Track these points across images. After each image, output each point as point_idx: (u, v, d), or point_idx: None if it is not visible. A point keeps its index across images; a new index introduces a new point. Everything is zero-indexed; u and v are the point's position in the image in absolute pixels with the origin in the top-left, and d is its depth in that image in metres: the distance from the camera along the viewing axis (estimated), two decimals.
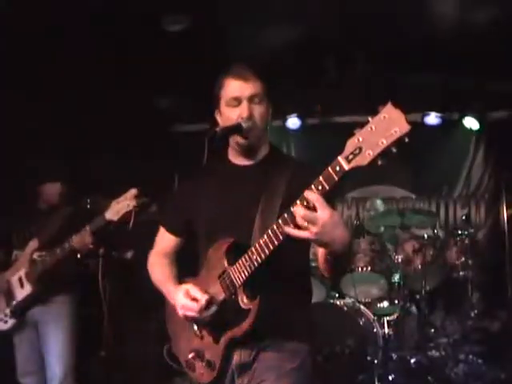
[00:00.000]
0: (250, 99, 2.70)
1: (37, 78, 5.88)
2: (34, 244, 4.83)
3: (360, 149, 2.11)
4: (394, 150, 2.08)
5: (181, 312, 2.72)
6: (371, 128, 2.10)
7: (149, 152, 7.23)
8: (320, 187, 2.23)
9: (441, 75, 6.93)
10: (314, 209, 2.23)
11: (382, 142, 2.07)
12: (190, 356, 2.79)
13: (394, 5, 5.63)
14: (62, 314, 4.92)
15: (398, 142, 2.06)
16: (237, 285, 2.60)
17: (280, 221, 2.39)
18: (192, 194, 2.91)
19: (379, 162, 2.11)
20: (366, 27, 6.03)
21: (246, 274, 2.55)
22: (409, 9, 5.71)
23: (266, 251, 2.47)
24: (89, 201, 5.44)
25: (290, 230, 2.30)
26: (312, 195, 2.22)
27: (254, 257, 2.51)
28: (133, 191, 4.34)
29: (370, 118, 2.11)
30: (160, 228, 3.08)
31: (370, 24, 5.96)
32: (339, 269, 2.65)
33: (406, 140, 2.06)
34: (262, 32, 6.16)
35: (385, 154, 2.08)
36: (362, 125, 2.12)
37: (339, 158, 2.15)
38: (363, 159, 2.11)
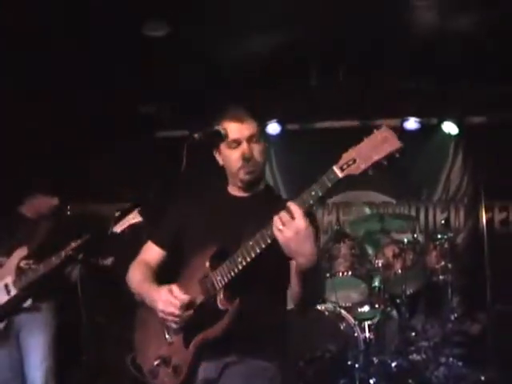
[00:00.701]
0: (249, 139, 2.86)
1: (26, 82, 5.88)
2: (22, 251, 4.80)
3: (354, 160, 2.35)
4: (385, 162, 2.34)
5: (161, 307, 2.73)
6: (365, 145, 2.35)
7: (131, 157, 7.23)
8: (313, 193, 2.40)
9: (419, 80, 6.98)
10: (293, 218, 2.38)
11: (374, 157, 2.32)
12: (156, 363, 2.79)
13: (375, 11, 5.66)
14: (46, 321, 4.92)
15: (390, 157, 2.34)
16: (217, 287, 2.65)
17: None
18: (185, 213, 3.02)
19: (370, 173, 2.36)
20: (346, 33, 6.06)
21: (229, 276, 2.62)
22: (386, 16, 5.75)
23: (252, 254, 2.55)
24: (69, 207, 5.44)
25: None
26: (293, 206, 2.39)
27: (239, 259, 2.59)
28: (137, 208, 4.31)
29: (365, 138, 2.37)
30: (147, 242, 3.14)
31: (350, 30, 6.00)
32: (308, 292, 2.64)
33: (397, 155, 2.33)
34: (245, 38, 6.18)
35: (376, 166, 2.34)
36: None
37: (334, 167, 2.37)
38: (356, 169, 2.35)
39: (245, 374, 2.68)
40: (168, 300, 2.71)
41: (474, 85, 6.90)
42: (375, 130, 2.36)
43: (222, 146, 2.90)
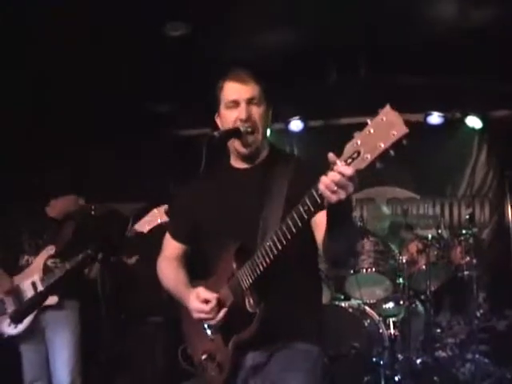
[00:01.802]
0: (249, 101, 2.74)
1: (43, 85, 5.93)
2: (50, 250, 4.91)
3: (358, 152, 2.09)
4: (392, 152, 2.05)
5: (195, 316, 2.75)
6: (369, 131, 2.07)
7: (150, 156, 7.26)
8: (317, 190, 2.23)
9: (443, 75, 6.92)
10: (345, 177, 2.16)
11: (380, 146, 2.04)
12: (203, 357, 2.82)
13: (395, 6, 5.63)
14: (71, 319, 5.00)
15: (397, 145, 2.03)
16: (244, 288, 2.61)
17: (284, 223, 2.40)
18: (193, 200, 2.95)
19: (377, 165, 2.09)
20: (367, 28, 6.03)
21: (253, 277, 2.57)
22: (409, 9, 5.71)
23: (270, 255, 2.48)
24: (93, 207, 5.50)
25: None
26: (343, 166, 2.14)
27: (259, 261, 2.53)
28: (164, 207, 4.30)
29: (368, 121, 2.08)
30: (167, 233, 3.12)
31: (371, 25, 5.96)
32: (339, 233, 2.46)
33: (404, 142, 2.03)
34: (265, 35, 6.17)
35: (383, 156, 2.06)
36: (361, 127, 2.11)
37: (337, 161, 2.14)
38: (361, 163, 2.09)
39: (290, 357, 2.69)
40: (197, 308, 2.72)
41: (497, 78, 6.82)
42: (379, 111, 2.06)
43: (221, 108, 2.82)
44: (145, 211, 4.38)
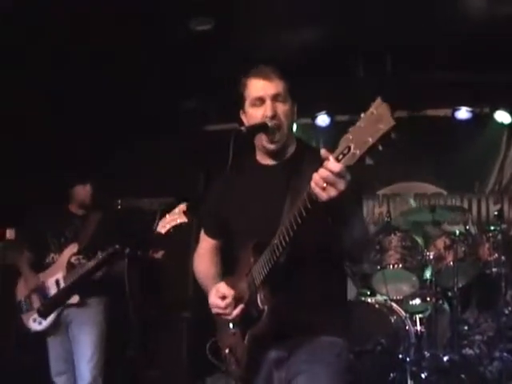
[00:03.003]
0: (274, 98, 2.72)
1: (66, 79, 5.96)
2: (73, 248, 4.97)
3: (349, 148, 2.09)
4: (380, 147, 2.03)
5: (213, 310, 2.79)
6: (360, 125, 2.07)
7: (178, 151, 7.27)
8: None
9: (471, 69, 6.85)
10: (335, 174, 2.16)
11: (368, 140, 2.03)
12: (227, 351, 2.85)
13: (420, 2, 5.59)
14: (96, 316, 5.06)
15: (386, 139, 2.01)
16: (256, 283, 2.63)
17: (288, 220, 2.41)
18: (222, 196, 2.96)
19: (367, 161, 2.09)
20: (393, 24, 5.99)
21: (265, 272, 2.57)
22: (437, 3, 5.67)
23: (277, 252, 2.50)
24: (119, 202, 5.52)
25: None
26: (332, 162, 2.16)
27: (268, 257, 2.55)
28: (182, 206, 4.19)
29: (362, 114, 2.08)
30: (202, 229, 3.15)
31: (398, 21, 5.93)
32: (342, 228, 2.48)
33: (393, 136, 2.01)
34: (291, 30, 6.16)
35: (372, 151, 2.04)
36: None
37: (330, 157, 2.15)
38: (351, 158, 2.09)
39: (314, 349, 2.68)
40: (214, 303, 2.76)
41: None
42: (372, 104, 2.06)
43: (247, 105, 2.80)
44: (172, 206, 4.38)
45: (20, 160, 6.10)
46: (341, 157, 2.12)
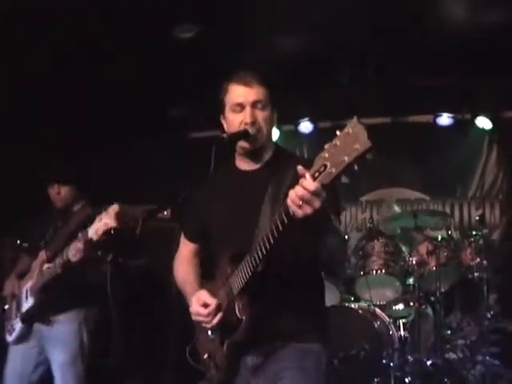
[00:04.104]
0: (254, 105, 2.75)
1: (51, 81, 5.95)
2: (42, 255, 4.44)
3: (325, 166, 2.11)
4: (356, 167, 2.05)
5: (194, 318, 2.82)
6: (336, 144, 2.09)
7: (161, 158, 7.27)
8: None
9: (452, 75, 6.91)
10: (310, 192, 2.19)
11: (345, 160, 2.05)
12: (205, 356, 2.87)
13: (405, 7, 5.63)
14: (70, 335, 4.46)
15: (361, 159, 2.02)
16: (234, 292, 2.65)
17: (265, 233, 2.43)
18: (203, 201, 2.99)
19: (343, 179, 2.11)
20: (377, 30, 6.03)
21: (243, 281, 2.59)
22: (419, 11, 5.71)
23: (258, 259, 2.51)
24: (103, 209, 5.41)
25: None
26: (308, 181, 2.18)
27: (246, 268, 2.56)
28: (114, 208, 3.91)
29: (338, 132, 2.10)
30: (182, 233, 3.17)
31: (381, 27, 5.97)
32: (319, 241, 2.52)
33: (369, 157, 2.02)
34: (276, 38, 6.19)
35: (348, 170, 2.06)
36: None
37: (306, 174, 2.17)
38: (327, 177, 2.11)
39: (290, 355, 2.69)
40: (196, 311, 2.78)
41: (507, 79, 6.80)
42: (347, 123, 2.07)
43: (227, 110, 2.82)
44: (155, 213, 4.34)
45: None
46: (317, 174, 2.14)
